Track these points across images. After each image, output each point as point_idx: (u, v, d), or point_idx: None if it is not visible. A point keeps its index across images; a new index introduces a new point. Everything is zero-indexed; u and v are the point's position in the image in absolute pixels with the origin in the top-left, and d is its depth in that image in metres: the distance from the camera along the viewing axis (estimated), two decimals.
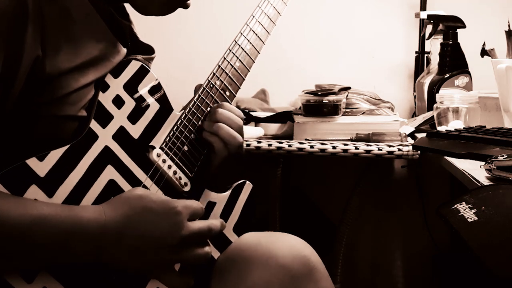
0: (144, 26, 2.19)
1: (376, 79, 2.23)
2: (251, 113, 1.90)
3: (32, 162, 0.89)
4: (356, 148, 1.66)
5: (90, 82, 0.95)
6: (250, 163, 1.96)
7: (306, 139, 1.75)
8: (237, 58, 1.12)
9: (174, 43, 2.24)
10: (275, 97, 2.16)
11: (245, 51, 1.13)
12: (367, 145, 1.67)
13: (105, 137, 0.96)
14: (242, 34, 1.14)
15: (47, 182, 0.89)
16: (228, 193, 1.07)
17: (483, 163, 1.09)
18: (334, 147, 1.67)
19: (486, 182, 1.06)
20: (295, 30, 2.25)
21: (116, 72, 0.99)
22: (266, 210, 1.93)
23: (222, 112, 1.06)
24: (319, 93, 1.79)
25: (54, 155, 0.91)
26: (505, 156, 1.06)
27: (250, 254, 1.01)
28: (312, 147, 1.68)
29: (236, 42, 1.13)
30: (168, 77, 2.12)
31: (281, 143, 1.70)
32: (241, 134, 1.07)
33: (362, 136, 1.74)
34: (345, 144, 1.68)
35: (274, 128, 1.86)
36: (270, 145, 1.70)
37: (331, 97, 1.77)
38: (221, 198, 1.06)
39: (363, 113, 1.83)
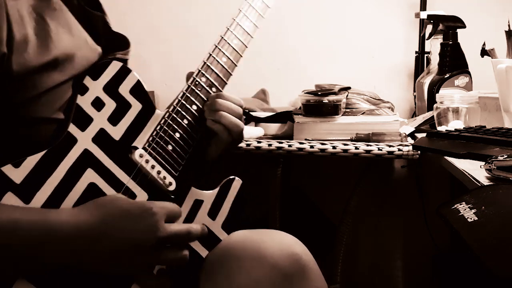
0: (141, 23, 2.19)
1: (376, 79, 2.23)
2: (251, 113, 1.90)
3: (7, 169, 0.88)
4: (356, 148, 1.66)
5: (65, 81, 0.94)
6: (250, 163, 1.96)
7: (306, 139, 1.75)
8: (224, 53, 1.10)
9: (171, 41, 2.24)
10: (275, 97, 2.16)
11: (232, 46, 1.11)
12: (367, 145, 1.67)
13: (84, 140, 0.95)
14: (228, 29, 1.12)
15: (23, 189, 0.89)
16: (216, 190, 1.05)
17: (483, 163, 1.09)
18: (334, 147, 1.67)
19: (486, 182, 1.06)
20: (295, 30, 2.26)
21: (95, 73, 0.98)
22: (266, 210, 1.93)
23: (222, 102, 1.06)
24: (319, 93, 1.79)
25: (31, 161, 0.90)
26: (505, 156, 1.06)
27: (240, 253, 0.99)
28: (312, 147, 1.68)
29: (222, 37, 1.11)
30: (165, 76, 2.13)
31: (281, 143, 1.70)
32: (242, 121, 1.08)
33: (362, 136, 1.74)
34: (345, 144, 1.68)
35: (274, 128, 1.86)
36: (270, 145, 1.70)
37: (331, 97, 1.77)
38: (208, 196, 1.04)
39: (363, 113, 1.83)
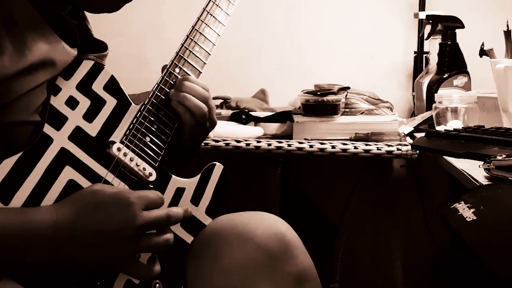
0: (141, 23, 2.19)
1: (375, 79, 2.23)
2: (251, 113, 1.90)
3: None
4: (355, 147, 1.67)
5: (40, 84, 0.94)
6: (250, 163, 1.96)
7: (305, 139, 1.75)
8: (196, 43, 1.12)
9: (171, 41, 2.24)
10: (274, 97, 2.16)
11: (204, 36, 1.13)
12: (366, 145, 1.68)
13: (60, 139, 0.95)
14: (199, 19, 1.14)
15: (1, 191, 0.89)
16: (197, 177, 1.06)
17: (482, 162, 1.09)
18: (333, 147, 1.67)
19: (484, 181, 1.06)
20: (295, 30, 2.26)
21: (67, 73, 0.99)
22: (266, 210, 1.93)
23: (188, 85, 1.07)
24: (319, 93, 1.79)
25: (7, 164, 0.90)
26: (504, 156, 1.07)
27: (225, 235, 1.00)
28: (311, 146, 1.68)
29: (193, 27, 1.13)
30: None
31: (281, 142, 1.71)
32: (207, 104, 1.08)
33: (361, 136, 1.75)
34: (344, 144, 1.68)
35: (273, 128, 1.86)
36: (269, 144, 1.70)
37: (330, 97, 1.77)
38: (190, 183, 1.05)
39: (362, 113, 1.84)
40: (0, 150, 0.91)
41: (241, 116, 1.88)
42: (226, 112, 1.94)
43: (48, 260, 0.88)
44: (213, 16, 1.15)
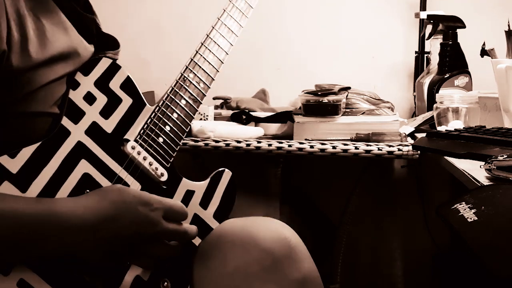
0: (141, 23, 2.19)
1: (376, 79, 2.23)
2: (251, 113, 1.90)
3: (4, 160, 0.90)
4: (356, 148, 1.66)
5: (60, 77, 0.96)
6: (250, 163, 1.96)
7: (306, 139, 1.75)
8: (210, 51, 1.14)
9: (171, 41, 2.25)
10: (275, 97, 2.16)
11: (217, 44, 1.16)
12: (367, 145, 1.68)
13: (77, 132, 0.98)
14: (213, 28, 1.16)
15: (19, 178, 0.91)
16: (207, 181, 1.09)
17: (483, 163, 1.09)
18: (334, 147, 1.67)
19: (486, 182, 1.06)
20: (295, 30, 2.26)
21: (86, 69, 1.01)
22: (266, 210, 1.93)
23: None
24: (319, 93, 1.79)
25: (26, 152, 0.92)
26: (505, 156, 1.06)
27: (231, 239, 1.02)
28: (312, 147, 1.68)
29: (208, 36, 1.15)
30: (165, 76, 2.13)
31: (281, 143, 1.71)
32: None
33: (362, 136, 1.74)
34: (345, 144, 1.68)
35: (274, 128, 1.86)
36: (270, 145, 1.70)
37: (331, 97, 1.77)
38: (199, 186, 1.08)
39: (363, 113, 1.84)
40: (20, 139, 0.93)
41: (242, 116, 1.88)
42: (227, 113, 1.94)
43: (66, 252, 0.90)
44: (227, 26, 1.18)
